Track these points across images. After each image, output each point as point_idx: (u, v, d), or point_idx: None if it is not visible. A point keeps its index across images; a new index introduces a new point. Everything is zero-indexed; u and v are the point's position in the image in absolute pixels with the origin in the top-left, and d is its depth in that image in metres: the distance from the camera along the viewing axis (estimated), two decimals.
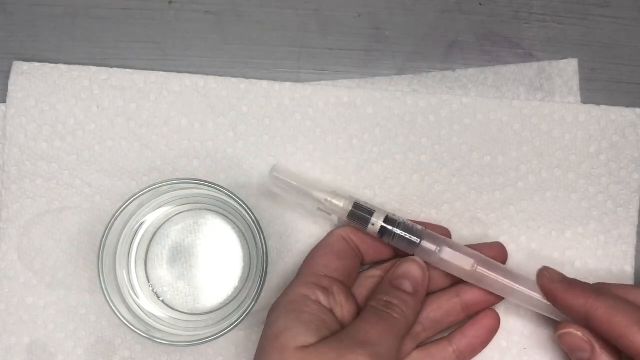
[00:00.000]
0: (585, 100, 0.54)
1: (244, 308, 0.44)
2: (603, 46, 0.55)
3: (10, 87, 0.52)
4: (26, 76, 0.52)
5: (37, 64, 0.53)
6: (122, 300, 0.47)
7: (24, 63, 0.53)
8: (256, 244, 0.47)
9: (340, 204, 0.48)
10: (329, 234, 0.49)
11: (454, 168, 0.53)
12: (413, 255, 0.48)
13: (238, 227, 0.50)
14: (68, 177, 0.52)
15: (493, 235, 0.52)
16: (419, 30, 0.55)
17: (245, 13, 0.55)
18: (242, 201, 0.45)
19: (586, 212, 0.53)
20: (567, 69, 0.54)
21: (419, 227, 0.48)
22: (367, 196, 0.52)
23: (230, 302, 0.50)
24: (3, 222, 0.51)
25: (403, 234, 0.47)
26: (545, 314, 0.47)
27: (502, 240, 0.52)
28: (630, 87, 0.55)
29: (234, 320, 0.44)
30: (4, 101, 0.53)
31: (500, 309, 0.51)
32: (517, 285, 0.47)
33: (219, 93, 0.53)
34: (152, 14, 0.54)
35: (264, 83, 0.53)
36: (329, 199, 0.48)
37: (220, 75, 0.53)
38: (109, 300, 0.45)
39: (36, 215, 0.52)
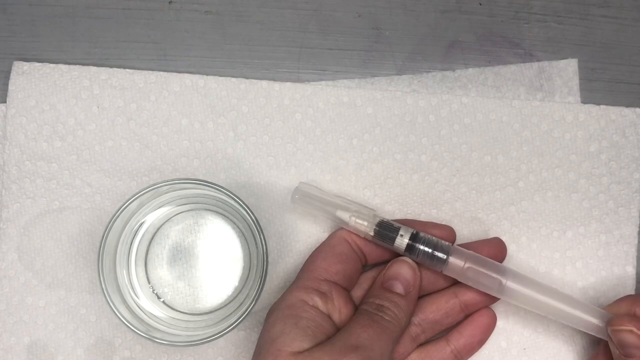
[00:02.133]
0: (585, 100, 0.54)
1: (244, 308, 0.44)
2: (603, 46, 0.55)
3: (10, 87, 0.52)
4: (26, 76, 0.52)
5: (37, 64, 0.53)
6: (122, 300, 0.47)
7: (24, 63, 0.53)
8: (256, 244, 0.47)
9: (362, 227, 0.48)
10: (331, 235, 0.49)
11: (454, 168, 0.53)
12: (441, 270, 0.48)
13: (238, 227, 0.50)
14: (68, 177, 0.52)
15: (493, 235, 0.52)
16: (419, 30, 0.55)
17: (245, 13, 0.55)
18: (242, 201, 0.45)
19: (587, 212, 0.53)
20: (567, 69, 0.54)
21: (445, 243, 0.48)
22: (367, 196, 0.52)
23: (230, 302, 0.50)
24: (3, 221, 0.51)
25: (430, 250, 0.47)
26: (577, 327, 0.47)
27: (503, 240, 0.51)
28: (630, 87, 0.55)
29: (233, 321, 0.44)
30: (4, 101, 0.53)
31: (500, 309, 0.51)
32: (551, 300, 0.47)
33: (219, 93, 0.53)
34: (152, 14, 0.54)
35: (264, 83, 0.53)
36: (353, 218, 0.48)
37: (220, 75, 0.53)
38: (109, 300, 0.45)
39: (36, 215, 0.52)
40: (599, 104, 0.54)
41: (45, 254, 0.51)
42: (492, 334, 0.50)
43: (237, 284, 0.50)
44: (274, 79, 0.54)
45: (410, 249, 0.47)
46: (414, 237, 0.47)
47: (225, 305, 0.50)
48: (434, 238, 0.48)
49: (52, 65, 0.53)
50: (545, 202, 0.53)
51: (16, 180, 0.52)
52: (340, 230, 0.49)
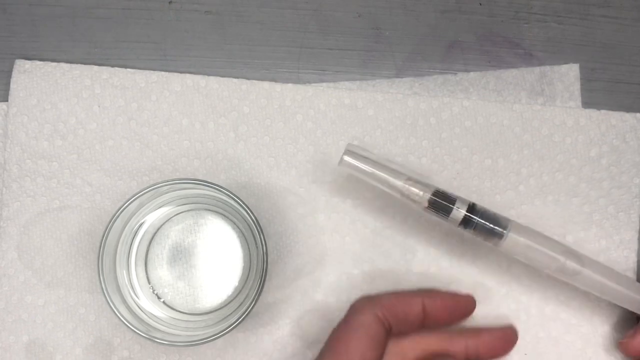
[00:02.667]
0: (585, 100, 0.54)
1: (244, 308, 0.44)
2: (603, 46, 0.55)
3: (12, 86, 0.52)
4: (28, 74, 0.52)
5: (39, 63, 0.53)
6: (122, 300, 0.47)
7: (26, 61, 0.53)
8: (256, 244, 0.47)
9: (416, 197, 0.46)
10: (360, 310, 0.45)
11: (455, 171, 0.53)
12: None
13: (238, 227, 0.50)
14: (68, 176, 0.52)
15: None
16: (419, 30, 0.55)
17: (245, 13, 0.55)
18: (242, 201, 0.45)
19: (587, 217, 0.53)
20: (569, 74, 0.54)
21: (504, 217, 0.46)
22: (366, 197, 0.52)
23: (230, 302, 0.50)
24: (3, 220, 0.51)
25: (488, 224, 0.46)
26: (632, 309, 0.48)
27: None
28: (630, 88, 0.55)
29: (233, 321, 0.44)
30: (4, 100, 0.53)
31: (501, 312, 0.51)
32: (611, 283, 0.47)
33: (220, 93, 0.53)
34: (152, 14, 0.54)
35: (266, 84, 0.53)
36: (407, 186, 0.46)
37: (220, 76, 0.53)
38: (109, 300, 0.45)
39: (36, 214, 0.52)
40: (598, 104, 0.54)
41: (45, 253, 0.51)
42: None
43: (237, 284, 0.50)
44: (274, 79, 0.54)
45: (466, 221, 0.46)
46: (472, 209, 0.46)
47: (225, 306, 0.50)
48: (491, 211, 0.47)
49: (53, 64, 0.53)
50: (545, 206, 0.53)
51: (17, 178, 0.52)
52: (367, 302, 0.46)
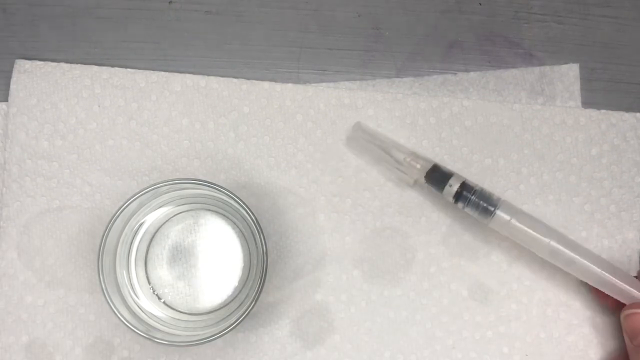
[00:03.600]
0: (585, 100, 0.54)
1: (244, 308, 0.44)
2: (603, 46, 0.55)
3: (12, 86, 0.52)
4: (28, 74, 0.52)
5: (39, 63, 0.53)
6: (122, 300, 0.47)
7: (26, 61, 0.53)
8: (256, 244, 0.47)
9: (418, 165, 0.50)
10: None
11: (455, 170, 0.52)
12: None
13: (238, 227, 0.50)
14: (68, 175, 0.52)
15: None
16: (419, 30, 0.55)
17: (245, 13, 0.55)
18: (242, 201, 0.45)
19: (589, 216, 0.52)
20: (569, 74, 0.54)
21: (495, 196, 0.49)
22: (366, 197, 0.52)
23: (230, 302, 0.50)
24: (3, 220, 0.51)
25: (478, 201, 0.48)
26: (615, 296, 0.48)
27: (505, 244, 0.52)
28: (630, 87, 0.55)
29: (233, 321, 0.44)
30: (4, 100, 0.53)
31: (502, 314, 0.51)
32: (595, 267, 0.47)
33: (220, 93, 0.53)
34: (152, 14, 0.54)
35: (266, 84, 0.53)
36: (408, 158, 0.50)
37: (220, 75, 0.53)
38: (109, 300, 0.45)
39: (36, 213, 0.52)
40: (598, 103, 0.54)
41: (44, 253, 0.51)
42: (493, 340, 0.51)
43: (237, 284, 0.50)
44: (274, 79, 0.54)
45: (458, 197, 0.49)
46: (463, 186, 0.49)
47: (225, 306, 0.50)
48: (485, 190, 0.49)
49: (53, 64, 0.53)
50: (546, 205, 0.53)
51: (17, 178, 0.52)
52: None
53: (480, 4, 0.55)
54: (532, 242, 0.48)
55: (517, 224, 0.48)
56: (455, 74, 0.54)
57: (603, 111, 0.53)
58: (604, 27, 0.55)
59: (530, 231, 0.48)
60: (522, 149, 0.53)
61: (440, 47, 0.55)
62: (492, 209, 0.48)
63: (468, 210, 0.49)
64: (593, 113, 0.53)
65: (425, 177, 0.49)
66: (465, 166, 0.53)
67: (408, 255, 0.52)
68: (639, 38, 0.55)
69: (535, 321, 0.52)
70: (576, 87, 0.54)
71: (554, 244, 0.47)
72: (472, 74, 0.54)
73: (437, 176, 0.49)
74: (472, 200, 0.48)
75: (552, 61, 0.54)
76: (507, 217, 0.48)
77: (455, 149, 0.53)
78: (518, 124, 0.53)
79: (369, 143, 0.51)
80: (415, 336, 0.51)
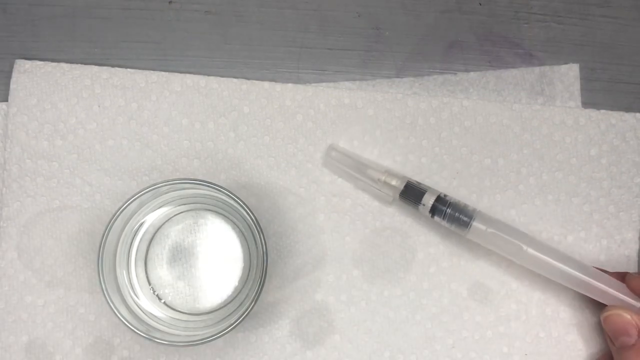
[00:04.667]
0: (584, 100, 0.54)
1: (244, 308, 0.44)
2: (603, 46, 0.55)
3: (12, 86, 0.52)
4: (28, 74, 0.52)
5: (39, 62, 0.53)
6: (122, 300, 0.47)
7: (26, 61, 0.53)
8: (256, 244, 0.47)
9: (393, 182, 0.50)
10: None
11: (454, 170, 0.53)
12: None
13: (238, 227, 0.50)
14: (68, 175, 0.52)
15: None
16: (418, 30, 0.55)
17: (245, 13, 0.55)
18: (242, 201, 0.45)
19: (588, 216, 0.53)
20: (569, 74, 0.54)
21: (470, 207, 0.49)
22: (366, 197, 0.52)
23: (230, 302, 0.50)
24: (3, 220, 0.51)
25: (455, 213, 0.49)
26: (593, 297, 0.48)
27: None
28: (630, 87, 0.55)
29: (233, 321, 0.44)
30: (4, 100, 0.53)
31: (501, 314, 0.51)
32: (566, 268, 0.48)
33: (220, 93, 0.53)
34: (152, 14, 0.54)
35: (266, 84, 0.53)
36: (382, 178, 0.50)
37: (220, 75, 0.53)
38: (109, 300, 0.45)
39: (36, 213, 0.52)
40: (598, 103, 0.54)
41: (44, 253, 0.51)
42: (493, 340, 0.51)
43: (237, 284, 0.50)
44: (274, 79, 0.54)
45: (435, 210, 0.49)
46: (439, 200, 0.49)
47: (225, 306, 0.50)
48: (460, 202, 0.49)
49: (53, 64, 0.53)
50: (546, 205, 0.53)
51: (17, 178, 0.52)
52: None
53: (480, 4, 0.55)
54: (510, 250, 0.48)
55: (493, 233, 0.48)
56: (455, 74, 0.54)
57: (603, 111, 0.53)
58: (604, 27, 0.55)
59: (508, 237, 0.48)
60: (521, 149, 0.53)
61: (440, 47, 0.55)
62: (468, 220, 0.49)
63: (445, 224, 0.50)
64: (593, 113, 0.53)
65: (400, 196, 0.50)
66: (465, 166, 0.53)
67: (408, 255, 0.52)
68: (639, 38, 0.55)
69: (534, 321, 0.52)
70: (576, 87, 0.54)
71: (531, 251, 0.48)
72: (472, 74, 0.54)
73: (410, 194, 0.50)
74: (448, 215, 0.49)
75: (552, 61, 0.55)
76: (483, 227, 0.49)
77: (455, 149, 0.53)
78: (518, 124, 0.53)
79: (343, 166, 0.51)
80: (415, 336, 0.51)
